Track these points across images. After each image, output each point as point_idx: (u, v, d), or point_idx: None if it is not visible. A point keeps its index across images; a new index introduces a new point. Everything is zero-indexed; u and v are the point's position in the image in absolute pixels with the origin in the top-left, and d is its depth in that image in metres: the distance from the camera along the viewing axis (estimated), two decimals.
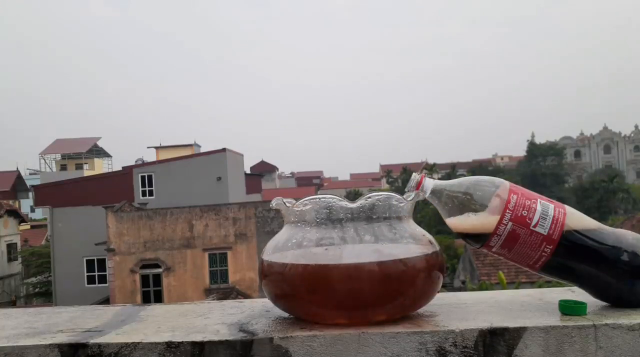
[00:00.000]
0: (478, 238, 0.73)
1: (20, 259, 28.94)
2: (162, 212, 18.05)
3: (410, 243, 0.73)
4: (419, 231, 0.75)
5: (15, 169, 38.26)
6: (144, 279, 17.94)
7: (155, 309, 0.86)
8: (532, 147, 59.44)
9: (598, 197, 42.85)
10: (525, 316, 0.72)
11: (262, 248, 0.77)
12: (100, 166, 41.60)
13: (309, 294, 0.69)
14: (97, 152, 43.29)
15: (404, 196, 0.74)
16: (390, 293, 0.69)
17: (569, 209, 0.74)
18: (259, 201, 23.82)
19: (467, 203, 0.73)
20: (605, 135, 70.45)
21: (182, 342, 0.67)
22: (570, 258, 0.72)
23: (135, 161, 31.01)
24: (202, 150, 28.77)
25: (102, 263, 20.67)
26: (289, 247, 0.72)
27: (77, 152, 41.45)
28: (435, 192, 0.76)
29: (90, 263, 21.87)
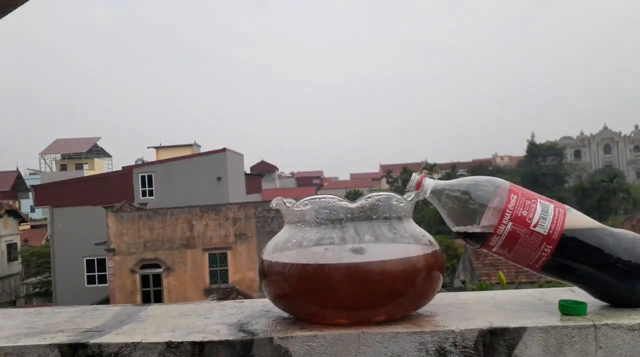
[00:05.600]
0: (478, 238, 0.74)
1: (20, 259, 28.94)
2: (162, 212, 18.05)
3: (410, 243, 0.73)
4: (419, 230, 0.75)
5: (15, 169, 38.27)
6: (144, 279, 17.94)
7: (155, 309, 0.86)
8: (532, 147, 59.49)
9: (598, 197, 42.86)
10: (525, 316, 0.72)
11: (262, 248, 0.77)
12: (100, 166, 41.60)
13: (309, 294, 0.69)
14: (97, 152, 43.30)
15: (404, 196, 0.74)
16: (390, 293, 0.69)
17: (569, 209, 0.74)
18: (259, 201, 23.84)
19: (467, 203, 0.73)
20: (605, 135, 70.50)
21: (182, 342, 0.67)
22: (570, 258, 0.72)
23: (135, 161, 31.02)
24: (202, 150, 28.79)
25: (102, 263, 20.68)
26: (289, 247, 0.73)
27: (77, 152, 41.46)
28: (435, 192, 0.76)
29: (90, 263, 21.88)
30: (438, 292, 0.75)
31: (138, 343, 0.67)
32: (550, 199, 0.74)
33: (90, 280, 21.92)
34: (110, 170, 36.49)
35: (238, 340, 0.67)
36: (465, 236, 0.75)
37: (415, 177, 0.77)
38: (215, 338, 0.68)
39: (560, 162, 60.11)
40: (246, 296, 15.56)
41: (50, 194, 22.73)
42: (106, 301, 18.07)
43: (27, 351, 0.68)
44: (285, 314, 0.76)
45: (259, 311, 0.80)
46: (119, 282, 17.79)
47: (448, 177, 16.44)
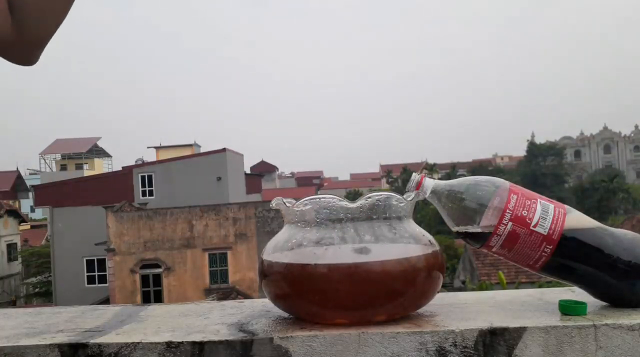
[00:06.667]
0: (478, 238, 0.73)
1: (20, 259, 28.95)
2: (162, 212, 18.06)
3: (410, 243, 0.73)
4: (419, 230, 0.75)
5: (15, 169, 38.28)
6: (144, 279, 17.94)
7: (155, 309, 0.86)
8: (532, 147, 59.55)
9: (598, 197, 42.89)
10: (525, 316, 0.72)
11: (262, 248, 0.77)
12: (100, 166, 41.62)
13: (309, 294, 0.69)
14: (97, 152, 43.32)
15: (404, 196, 0.74)
16: (390, 293, 0.69)
17: (569, 209, 0.74)
18: (259, 201, 23.85)
19: (467, 203, 0.73)
20: (605, 135, 70.54)
21: (182, 342, 0.67)
22: (570, 258, 0.72)
23: (135, 161, 31.02)
24: (202, 150, 28.80)
25: (102, 263, 20.68)
26: (289, 247, 0.72)
27: (77, 152, 41.48)
28: (435, 192, 0.76)
29: (90, 263, 21.89)
30: (438, 292, 0.75)
31: (138, 343, 0.67)
32: (550, 199, 0.74)
33: (90, 280, 21.93)
34: (110, 171, 36.49)
35: (238, 340, 0.67)
36: (465, 236, 0.75)
37: (415, 177, 0.77)
38: (215, 338, 0.68)
39: (560, 162, 60.18)
40: (246, 296, 15.55)
41: (50, 194, 22.73)
42: (106, 301, 18.07)
43: (27, 351, 0.68)
44: (285, 314, 0.76)
45: (259, 311, 0.80)
46: (119, 282, 17.79)
47: (448, 177, 16.45)
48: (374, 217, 0.72)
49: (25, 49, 0.70)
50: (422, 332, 0.66)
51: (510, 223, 0.71)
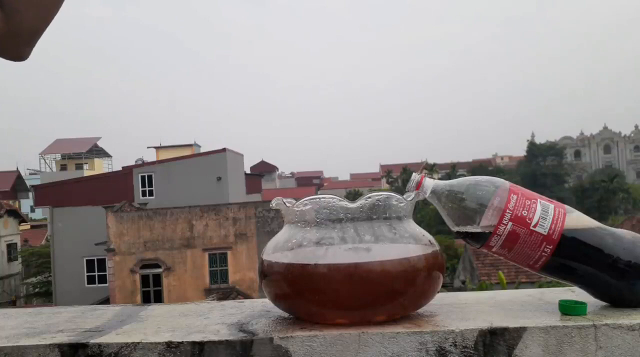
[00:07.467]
0: (478, 238, 0.73)
1: (20, 259, 28.93)
2: (162, 212, 18.04)
3: (410, 243, 0.73)
4: (419, 230, 0.75)
5: (15, 169, 38.25)
6: (144, 279, 17.93)
7: (155, 309, 0.86)
8: (532, 147, 59.62)
9: (598, 197, 42.92)
10: (525, 316, 0.72)
11: (262, 248, 0.77)
12: (100, 166, 41.60)
13: (309, 294, 0.69)
14: (97, 152, 43.29)
15: (404, 196, 0.74)
16: (390, 293, 0.69)
17: (569, 209, 0.74)
18: (259, 201, 23.83)
19: (467, 203, 0.73)
20: (605, 135, 70.57)
21: (182, 342, 0.67)
22: (570, 258, 0.72)
23: (135, 161, 30.99)
24: (202, 150, 28.78)
25: (102, 263, 20.67)
26: (289, 247, 0.72)
27: (77, 152, 41.46)
28: (435, 192, 0.76)
29: (90, 263, 21.88)
30: (438, 292, 0.75)
31: (138, 343, 0.67)
32: (550, 199, 0.74)
33: (90, 280, 21.92)
34: (110, 170, 36.47)
35: (238, 340, 0.67)
36: (465, 236, 0.75)
37: (415, 177, 0.77)
38: (215, 338, 0.68)
39: (560, 162, 60.25)
40: (246, 296, 15.55)
41: (50, 194, 22.72)
42: (106, 301, 18.06)
43: (27, 351, 0.68)
44: (285, 314, 0.76)
45: (259, 311, 0.80)
46: (119, 282, 17.78)
47: (448, 177, 16.45)
48: (374, 217, 0.72)
49: (15, 43, 0.66)
50: (422, 332, 0.66)
51: (510, 223, 0.71)
